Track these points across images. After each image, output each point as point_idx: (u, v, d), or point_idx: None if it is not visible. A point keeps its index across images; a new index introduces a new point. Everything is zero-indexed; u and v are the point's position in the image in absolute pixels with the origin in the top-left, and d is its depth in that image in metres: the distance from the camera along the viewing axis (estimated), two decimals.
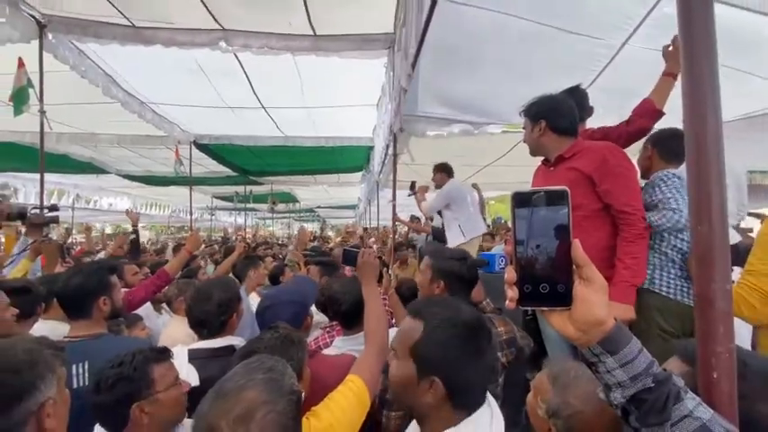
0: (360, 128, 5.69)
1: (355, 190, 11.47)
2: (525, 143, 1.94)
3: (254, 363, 0.94)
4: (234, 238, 10.65)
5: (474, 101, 3.67)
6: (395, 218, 4.52)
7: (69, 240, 9.07)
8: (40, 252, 2.48)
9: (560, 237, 0.59)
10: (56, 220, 2.62)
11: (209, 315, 1.61)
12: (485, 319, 0.96)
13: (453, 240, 3.98)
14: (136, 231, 4.93)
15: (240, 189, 10.15)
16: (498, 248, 4.49)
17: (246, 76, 3.94)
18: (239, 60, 3.59)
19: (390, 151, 4.43)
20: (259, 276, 3.08)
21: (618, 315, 1.61)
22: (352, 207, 16.50)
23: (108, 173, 7.89)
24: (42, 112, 3.12)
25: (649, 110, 1.95)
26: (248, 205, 11.52)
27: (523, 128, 1.93)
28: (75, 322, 1.58)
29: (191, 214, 7.17)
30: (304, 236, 4.34)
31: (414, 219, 7.03)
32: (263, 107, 4.76)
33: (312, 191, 12.00)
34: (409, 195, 4.53)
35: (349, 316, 1.77)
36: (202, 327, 1.62)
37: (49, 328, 1.79)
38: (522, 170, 2.16)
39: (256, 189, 10.28)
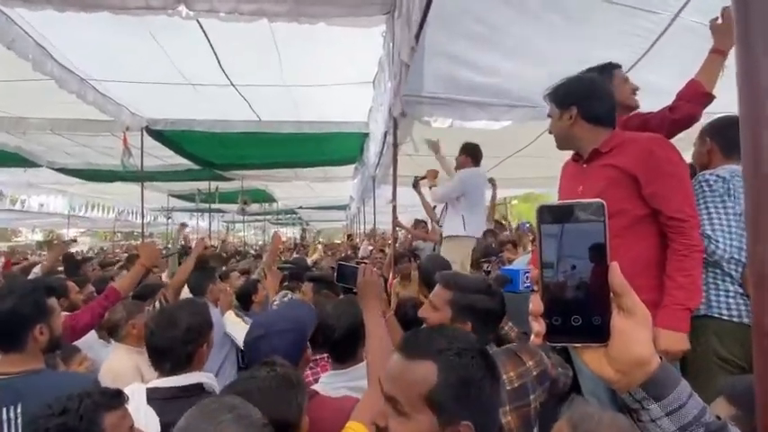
0: (352, 111, 5.70)
1: (346, 187, 11.49)
2: (552, 134, 1.96)
3: (213, 405, 0.96)
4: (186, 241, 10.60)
5: (493, 81, 3.71)
6: (395, 222, 4.54)
7: None
8: None
9: (595, 259, 0.60)
10: None
11: (175, 344, 1.62)
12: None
13: (450, 230, 4.26)
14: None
15: (203, 186, 10.14)
16: (522, 261, 4.52)
17: (212, 47, 3.95)
18: (203, 28, 3.61)
19: (390, 140, 4.45)
20: (225, 292, 3.08)
21: (670, 346, 1.63)
22: (343, 208, 16.53)
23: (38, 166, 7.88)
24: None
25: (697, 93, 1.97)
26: (213, 206, 11.50)
27: (549, 115, 1.95)
28: (6, 355, 1.59)
29: (142, 217, 7.17)
30: (277, 242, 4.35)
31: (419, 223, 7.07)
32: (232, 84, 4.76)
33: (292, 188, 11.99)
34: (417, 178, 4.67)
35: (342, 346, 1.78)
36: (165, 359, 1.62)
37: None
38: (552, 163, 2.17)
39: (223, 186, 10.29)
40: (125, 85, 4.92)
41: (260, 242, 21.34)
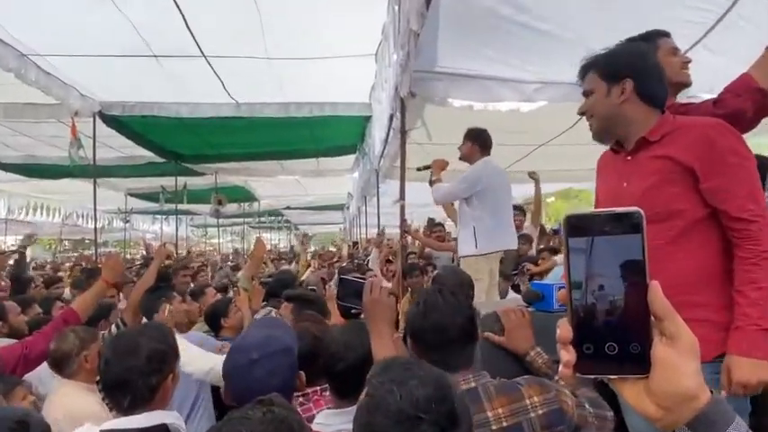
0: (350, 89, 5.74)
1: (344, 182, 11.53)
2: (587, 117, 1.97)
3: None
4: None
5: (521, 55, 3.72)
6: (404, 227, 4.53)
7: None
8: None
9: (632, 277, 0.61)
10: None
11: (134, 375, 1.64)
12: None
13: (460, 247, 4.12)
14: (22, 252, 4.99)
15: (169, 182, 10.21)
16: (557, 273, 4.50)
17: (179, 10, 3.99)
18: None
19: (396, 125, 4.47)
20: (191, 313, 3.10)
21: (747, 377, 1.62)
22: (340, 208, 16.59)
23: None
24: None
25: (749, 87, 2.00)
26: (181, 207, 11.57)
27: (586, 92, 1.96)
28: None
29: (95, 221, 7.24)
30: (260, 250, 4.36)
31: (434, 226, 7.02)
32: (203, 55, 4.79)
33: (278, 185, 12.08)
34: (420, 169, 4.54)
35: (346, 380, 1.78)
36: (122, 393, 1.64)
37: None
38: (596, 152, 2.18)
39: (193, 182, 10.38)
40: (74, 60, 4.95)
41: (234, 252, 21.45)
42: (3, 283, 5.17)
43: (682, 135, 1.80)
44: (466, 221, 4.08)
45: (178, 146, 8.08)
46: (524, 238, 6.25)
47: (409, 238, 5.76)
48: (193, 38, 4.46)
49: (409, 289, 4.80)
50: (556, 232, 6.95)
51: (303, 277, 6.40)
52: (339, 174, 10.37)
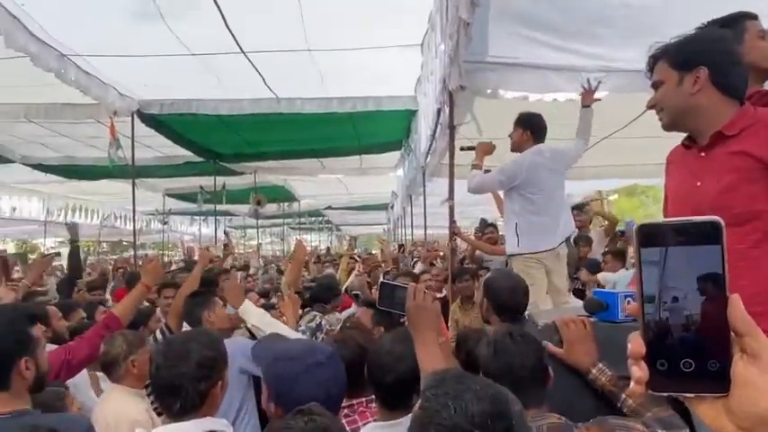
0: (395, 82, 5.77)
1: (388, 181, 11.57)
2: (656, 110, 1.92)
3: None
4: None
5: (582, 40, 3.66)
6: (453, 229, 4.51)
7: None
8: None
9: (710, 290, 0.61)
10: None
11: (185, 380, 1.71)
12: None
13: (507, 246, 4.05)
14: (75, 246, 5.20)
15: (207, 182, 10.50)
16: (623, 278, 4.39)
17: (218, 7, 4.12)
18: None
19: (444, 120, 4.47)
20: (225, 320, 3.18)
21: None
22: (383, 207, 16.66)
23: (11, 161, 8.43)
24: None
25: None
26: (219, 207, 11.88)
27: (655, 84, 1.91)
28: None
29: (134, 223, 7.50)
30: (301, 252, 4.42)
31: (486, 227, 6.94)
32: (242, 52, 4.94)
33: (319, 184, 12.24)
34: (464, 149, 4.42)
35: (396, 391, 1.81)
36: (173, 398, 1.72)
37: None
38: (664, 146, 2.11)
39: (231, 182, 10.66)
40: (114, 61, 5.21)
41: (275, 253, 21.81)
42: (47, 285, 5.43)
43: (763, 128, 1.74)
44: (509, 217, 4.00)
45: (217, 144, 8.32)
46: (585, 240, 6.12)
47: (459, 241, 5.70)
48: (232, 34, 4.60)
49: (458, 294, 4.77)
50: (622, 234, 6.76)
51: (347, 283, 6.45)
52: (383, 172, 10.44)
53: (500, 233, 6.70)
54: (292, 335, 2.77)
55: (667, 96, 1.88)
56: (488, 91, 4.03)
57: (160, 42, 4.73)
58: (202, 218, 16.18)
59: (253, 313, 2.90)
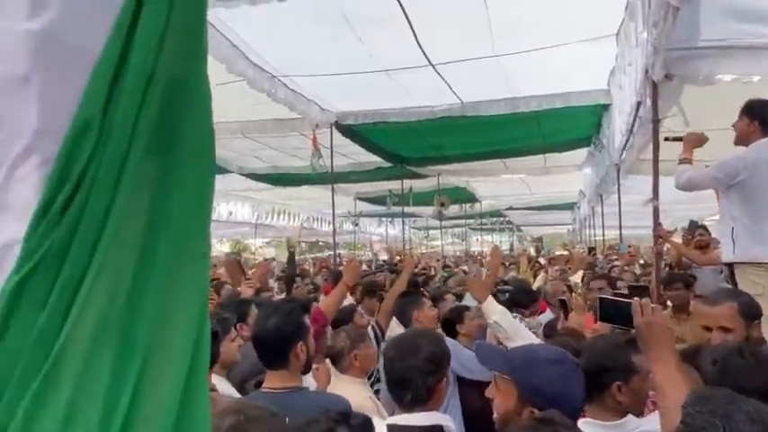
0: (584, 75, 5.58)
1: (574, 179, 11.08)
2: None
3: None
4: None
5: None
6: (659, 232, 4.12)
7: None
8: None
9: None
10: None
11: (415, 374, 1.88)
12: None
13: (722, 252, 3.55)
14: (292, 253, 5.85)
15: (394, 186, 11.03)
16: None
17: (409, 23, 4.36)
18: (400, 2, 4.01)
19: (644, 113, 4.20)
20: (433, 320, 3.34)
21: None
22: (569, 207, 15.99)
23: (229, 172, 9.66)
24: None
25: None
26: (406, 209, 12.31)
27: None
28: (272, 372, 2.14)
29: (333, 224, 8.13)
30: (497, 257, 4.43)
31: (695, 228, 6.09)
32: (430, 65, 5.19)
33: (500, 184, 12.15)
34: (669, 140, 3.99)
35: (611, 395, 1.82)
36: (404, 390, 1.90)
37: None
38: None
39: (417, 185, 11.11)
40: (315, 80, 5.81)
41: (456, 254, 21.92)
42: (270, 283, 6.13)
43: None
44: (724, 219, 3.52)
45: (404, 149, 8.73)
46: None
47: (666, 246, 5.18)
48: (422, 50, 4.86)
49: (669, 302, 4.39)
50: None
51: (534, 286, 6.31)
52: (567, 170, 10.11)
53: (712, 236, 5.95)
54: (533, 338, 2.80)
55: None
56: (701, 78, 3.66)
57: (356, 61, 5.18)
58: (389, 219, 16.90)
59: (495, 310, 2.92)
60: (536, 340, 2.85)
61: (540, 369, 1.79)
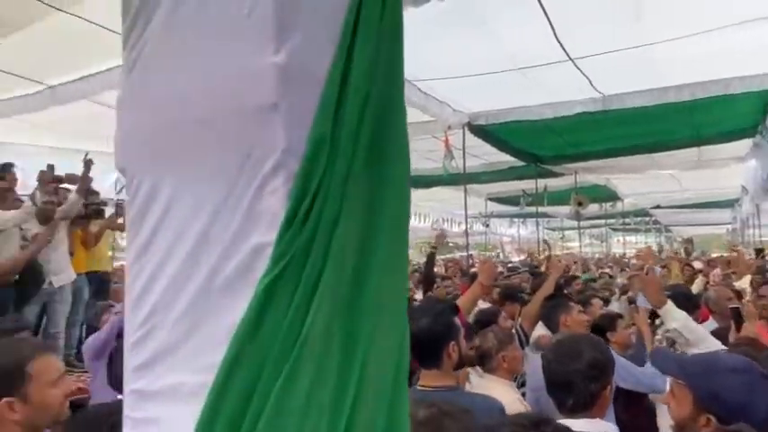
0: (749, 58, 5.09)
1: (733, 174, 10.13)
2: None
3: None
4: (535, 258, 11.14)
5: None
6: None
7: None
8: None
9: None
10: None
11: (577, 378, 1.87)
12: None
13: None
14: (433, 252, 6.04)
15: (529, 185, 10.78)
16: None
17: (546, 16, 4.26)
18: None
19: None
20: (582, 325, 3.25)
21: None
22: (729, 205, 14.62)
23: None
24: None
25: None
26: (540, 209, 12.01)
27: None
28: (426, 371, 2.22)
29: (465, 226, 8.17)
30: (648, 260, 4.20)
31: None
32: (570, 59, 5.02)
33: (644, 181, 11.46)
34: None
35: None
36: (565, 394, 1.89)
37: None
38: None
39: (552, 184, 10.80)
40: (447, 82, 5.83)
41: (596, 255, 20.85)
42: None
43: None
44: None
45: (538, 148, 8.53)
46: None
47: None
48: (560, 45, 4.73)
49: None
50: None
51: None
52: (726, 164, 9.28)
53: None
54: (719, 346, 2.63)
55: None
56: None
57: (489, 61, 5.15)
58: (521, 220, 16.57)
59: (675, 316, 2.73)
60: (722, 348, 2.66)
61: (719, 376, 1.70)
